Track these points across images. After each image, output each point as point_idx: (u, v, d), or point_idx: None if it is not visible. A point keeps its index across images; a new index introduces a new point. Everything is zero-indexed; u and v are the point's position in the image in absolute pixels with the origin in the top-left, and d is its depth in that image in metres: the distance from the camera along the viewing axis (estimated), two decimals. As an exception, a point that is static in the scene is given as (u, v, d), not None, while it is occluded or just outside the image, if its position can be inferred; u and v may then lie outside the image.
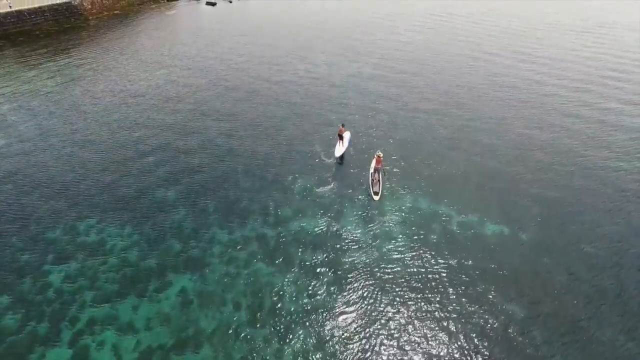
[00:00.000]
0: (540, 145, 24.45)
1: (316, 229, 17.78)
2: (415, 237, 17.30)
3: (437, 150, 23.84)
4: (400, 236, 17.37)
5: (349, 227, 17.87)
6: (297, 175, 21.40)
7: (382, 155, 20.91)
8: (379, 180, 20.27)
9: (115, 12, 61.73)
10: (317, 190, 20.29)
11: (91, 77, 34.11)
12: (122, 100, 29.79)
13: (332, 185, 20.65)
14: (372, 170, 20.86)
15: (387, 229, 17.80)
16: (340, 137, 23.25)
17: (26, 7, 52.34)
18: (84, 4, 59.14)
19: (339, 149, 23.15)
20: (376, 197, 19.50)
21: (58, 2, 56.25)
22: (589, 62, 40.61)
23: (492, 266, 15.90)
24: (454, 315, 14.04)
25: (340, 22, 55.51)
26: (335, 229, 17.79)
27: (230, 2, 68.37)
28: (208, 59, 38.57)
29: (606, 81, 35.06)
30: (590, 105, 30.22)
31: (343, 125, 23.79)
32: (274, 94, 31.09)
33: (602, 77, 36.21)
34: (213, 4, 65.80)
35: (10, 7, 50.06)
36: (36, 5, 53.67)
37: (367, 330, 13.59)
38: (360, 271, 15.71)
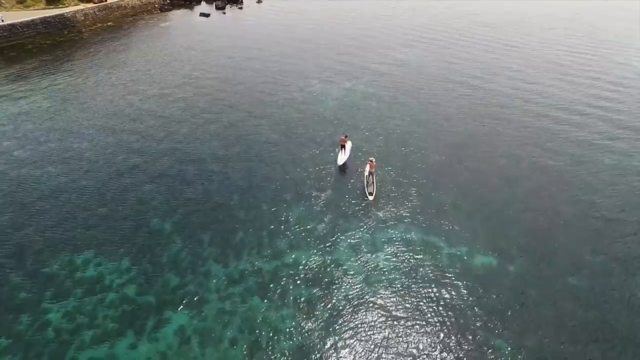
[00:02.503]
0: (528, 170, 25.15)
1: (311, 260, 18.25)
2: (406, 271, 17.83)
3: (427, 176, 24.42)
4: (392, 270, 17.89)
5: (343, 258, 18.38)
6: (291, 203, 21.86)
7: (374, 160, 23.43)
8: (373, 182, 22.74)
9: (109, 23, 61.88)
10: (312, 217, 20.79)
11: (85, 96, 34.29)
12: (118, 123, 30.05)
13: (327, 210, 21.18)
14: (366, 173, 23.29)
15: (380, 258, 18.33)
16: (343, 147, 25.20)
17: (19, 20, 52.39)
18: (77, 16, 59.28)
19: (341, 158, 25.01)
20: (371, 197, 22.01)
21: (51, 14, 56.39)
22: (583, 86, 41.59)
23: (480, 298, 16.48)
24: (440, 347, 14.60)
25: (333, 35, 56.04)
26: (329, 258, 18.28)
27: (224, 13, 68.74)
28: (202, 77, 38.87)
29: (596, 102, 35.94)
30: (581, 129, 31.00)
31: (346, 136, 25.74)
32: (268, 115, 31.53)
33: (593, 97, 37.12)
34: (207, 15, 66.11)
35: (2, 20, 50.06)
36: (29, 18, 53.76)
37: (360, 368, 14.12)
38: (353, 305, 16.21)
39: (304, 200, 22.23)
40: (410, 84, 38.11)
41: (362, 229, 20.23)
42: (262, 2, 78.17)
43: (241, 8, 73.15)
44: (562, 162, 26.06)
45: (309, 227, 20.30)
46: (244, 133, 28.90)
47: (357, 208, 21.84)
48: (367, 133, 29.35)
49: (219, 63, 43.06)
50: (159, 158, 25.88)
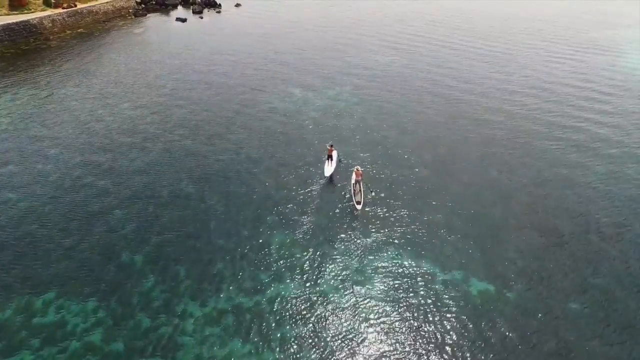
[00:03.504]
0: (522, 182, 24.49)
1: (296, 293, 17.05)
2: (398, 303, 16.78)
3: (416, 191, 23.51)
4: (383, 301, 16.83)
5: (330, 290, 17.22)
6: (273, 227, 20.61)
7: (360, 169, 23.06)
8: (360, 191, 22.50)
9: (79, 30, 59.39)
10: (295, 242, 19.60)
11: (50, 112, 32.27)
12: (86, 141, 28.26)
13: (311, 233, 19.98)
14: (353, 182, 22.99)
15: (370, 288, 17.24)
16: (329, 157, 24.64)
17: (-21, 28, 49.68)
18: (44, 22, 56.69)
19: (328, 169, 24.31)
20: (358, 207, 21.72)
21: (15, 21, 53.66)
22: (574, 91, 41.51)
23: (478, 330, 15.55)
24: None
25: (314, 40, 54.93)
26: (316, 291, 17.09)
27: (201, 17, 66.93)
28: (178, 88, 37.16)
29: (587, 108, 35.74)
30: (574, 136, 30.57)
31: (331, 146, 25.05)
32: (248, 128, 30.17)
33: (584, 103, 36.94)
34: (183, 20, 64.21)
35: (-40, 29, 47.34)
36: (-10, 26, 51.06)
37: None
38: (343, 346, 15.05)
39: (287, 223, 21.02)
40: (396, 91, 37.29)
41: (350, 255, 19.12)
42: (240, 5, 76.59)
43: (219, 12, 71.41)
44: (556, 172, 25.48)
45: (292, 254, 19.10)
46: (222, 149, 27.48)
47: (344, 227, 20.81)
48: (352, 146, 28.33)
49: (196, 72, 41.41)
50: (131, 179, 24.27)
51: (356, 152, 27.63)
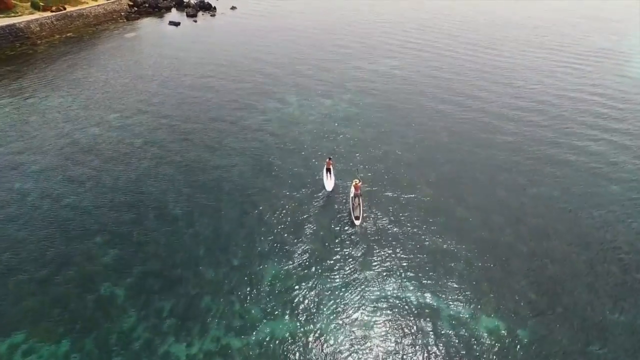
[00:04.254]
0: (532, 205, 23.26)
1: (290, 333, 15.78)
2: (401, 345, 15.52)
3: (419, 214, 22.28)
4: (385, 342, 15.58)
5: (328, 328, 15.94)
6: (266, 256, 19.32)
7: (359, 182, 22.44)
8: (359, 205, 21.82)
9: (69, 34, 58.01)
10: (290, 273, 18.30)
11: (32, 124, 30.86)
12: (68, 157, 26.87)
13: (307, 262, 18.68)
14: (352, 195, 22.40)
15: (371, 327, 15.98)
16: (328, 170, 24.39)
17: (-37, 33, 48.30)
18: (32, 26, 55.34)
19: (329, 183, 24.00)
20: (357, 222, 21.18)
21: (0, 25, 52.29)
22: (583, 103, 40.42)
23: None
24: None
25: (312, 46, 53.71)
26: (312, 329, 15.81)
27: (195, 21, 65.67)
28: (167, 100, 35.64)
29: (598, 121, 34.64)
30: (585, 152, 29.40)
31: (330, 159, 24.84)
32: (241, 143, 28.83)
33: (594, 116, 35.86)
34: (177, 24, 62.92)
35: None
36: (-26, 30, 49.67)
37: None
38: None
39: (281, 250, 19.75)
40: (397, 102, 35.96)
41: (348, 287, 17.85)
42: (235, 8, 75.39)
43: (213, 15, 70.17)
44: (569, 194, 24.23)
45: (286, 287, 17.81)
46: (213, 166, 26.18)
47: (342, 252, 19.56)
48: (351, 161, 27.08)
49: (187, 81, 40.04)
50: (114, 200, 22.94)
51: (354, 167, 26.38)
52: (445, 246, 20.13)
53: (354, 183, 22.64)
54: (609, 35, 63.13)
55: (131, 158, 26.90)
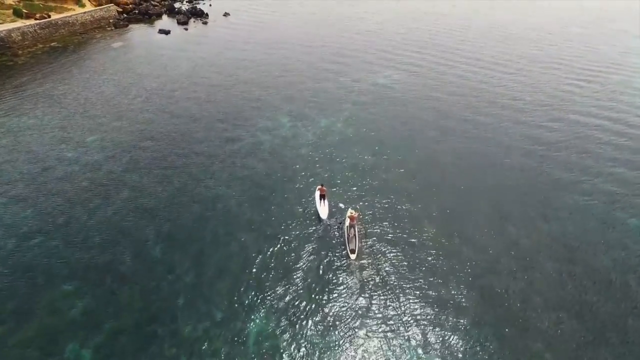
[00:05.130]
0: (547, 244, 21.66)
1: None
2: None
3: (421, 256, 20.67)
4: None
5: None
6: (251, 308, 17.60)
7: (355, 212, 21.48)
8: (355, 237, 20.69)
9: (53, 44, 56.22)
10: (277, 330, 16.60)
11: (4, 145, 29.06)
12: (40, 186, 25.07)
13: (296, 316, 17.00)
14: (347, 226, 21.22)
15: None
16: (322, 197, 23.28)
17: (-62, 44, 46.45)
18: (13, 35, 53.54)
19: (323, 211, 22.95)
20: (353, 256, 19.99)
21: (-21, 35, 50.53)
22: (598, 126, 38.98)
23: None
24: None
25: (307, 56, 52.09)
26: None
27: (186, 29, 64.03)
28: (150, 121, 33.73)
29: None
30: (607, 193, 28.00)
31: (322, 185, 23.75)
32: (228, 170, 27.16)
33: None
34: (167, 32, 61.27)
35: None
36: (-49, 41, 47.83)
37: None
38: None
39: (269, 298, 18.09)
40: (397, 123, 34.17)
41: (340, 348, 16.16)
42: (229, 15, 73.88)
43: (205, 23, 68.56)
44: (585, 228, 22.59)
45: (273, 346, 16.12)
46: (197, 199, 24.42)
47: (336, 300, 17.82)
48: (347, 190, 25.48)
49: (173, 98, 38.10)
50: (87, 239, 21.17)
51: (351, 198, 24.79)
52: (449, 295, 18.49)
53: (349, 213, 21.60)
54: (615, 44, 61.97)
55: (109, 189, 25.14)
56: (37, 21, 58.37)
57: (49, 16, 60.33)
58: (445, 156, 28.86)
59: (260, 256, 20.39)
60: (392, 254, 20.75)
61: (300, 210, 23.72)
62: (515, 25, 71.78)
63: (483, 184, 26.06)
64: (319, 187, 23.89)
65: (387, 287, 18.86)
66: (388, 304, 18.03)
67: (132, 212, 23.31)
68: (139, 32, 62.87)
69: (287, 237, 21.57)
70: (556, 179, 26.96)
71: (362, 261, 20.32)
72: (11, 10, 59.11)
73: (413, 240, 21.67)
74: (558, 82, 44.59)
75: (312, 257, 20.49)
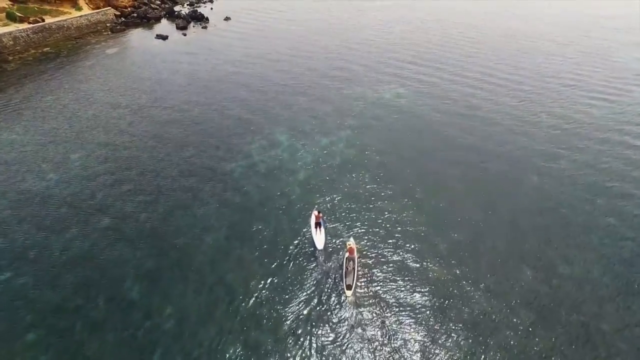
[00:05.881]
0: (565, 294, 19.69)
1: None
2: None
3: (425, 301, 18.76)
4: None
5: None
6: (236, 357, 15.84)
7: (354, 244, 20.48)
8: (353, 271, 19.48)
9: (46, 49, 54.96)
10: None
11: (-17, 166, 27.59)
12: (13, 213, 23.46)
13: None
14: (345, 260, 20.00)
15: None
16: (318, 225, 21.91)
17: None
18: (4, 40, 52.33)
19: (320, 239, 21.52)
20: (349, 292, 18.75)
21: (-31, 40, 49.33)
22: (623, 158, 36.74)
23: None
24: None
25: (310, 66, 50.25)
26: None
27: (184, 34, 62.57)
28: (139, 135, 32.04)
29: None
30: (631, 219, 25.94)
31: (319, 212, 22.30)
32: (218, 196, 25.30)
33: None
34: (164, 38, 59.86)
35: None
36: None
37: None
38: None
39: (255, 349, 16.24)
40: (402, 143, 31.87)
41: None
42: (230, 19, 72.43)
43: (205, 28, 67.06)
44: (613, 272, 20.40)
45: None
46: (182, 231, 22.62)
47: (328, 339, 15.99)
48: (345, 218, 23.61)
49: (165, 111, 36.28)
50: (57, 280, 19.44)
51: (350, 228, 22.94)
52: (457, 348, 16.57)
53: (347, 246, 20.42)
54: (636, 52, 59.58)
55: (88, 217, 23.44)
56: (31, 25, 57.18)
57: (43, 20, 59.13)
58: (455, 184, 26.75)
59: (249, 300, 18.57)
60: (391, 294, 18.99)
61: (296, 242, 21.91)
62: (533, 33, 69.45)
63: (497, 218, 23.97)
64: (315, 213, 22.43)
65: (383, 332, 17.08)
66: (382, 352, 16.16)
67: (111, 245, 21.58)
68: (135, 38, 61.49)
69: (278, 277, 19.73)
70: (579, 214, 24.80)
71: (358, 299, 18.79)
72: (4, 14, 58.07)
73: (416, 279, 19.80)
74: (580, 100, 41.20)
75: (304, 295, 18.89)
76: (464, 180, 27.22)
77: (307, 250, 21.50)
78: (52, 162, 28.47)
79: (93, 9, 69.16)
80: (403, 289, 19.38)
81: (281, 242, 21.96)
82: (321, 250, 21.31)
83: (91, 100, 38.09)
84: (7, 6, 59.38)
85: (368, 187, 26.41)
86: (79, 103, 37.58)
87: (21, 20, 57.98)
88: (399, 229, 23.06)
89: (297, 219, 23.58)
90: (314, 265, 20.67)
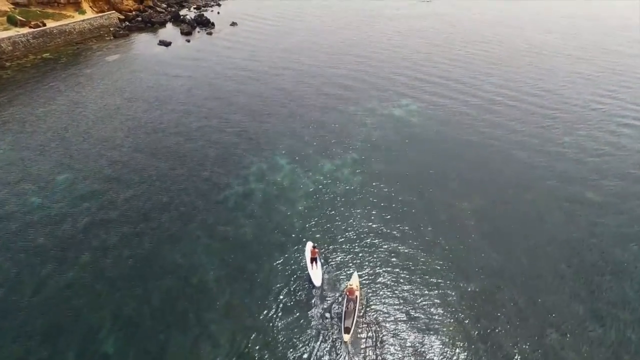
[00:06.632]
0: (602, 348, 17.53)
1: None
2: None
3: (427, 342, 16.77)
4: None
5: None
6: None
7: (355, 286, 19.19)
8: (353, 313, 18.25)
9: (45, 55, 54.07)
10: None
11: (-38, 187, 26.24)
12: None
13: None
14: (345, 303, 18.80)
15: None
16: (314, 260, 20.65)
17: None
18: (2, 45, 51.55)
19: (317, 276, 20.17)
20: (347, 336, 17.43)
21: (-34, 45, 48.56)
22: None
23: None
24: None
25: (317, 77, 48.30)
26: None
27: (188, 41, 61.29)
28: (131, 154, 30.35)
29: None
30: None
31: (314, 247, 21.16)
32: (209, 230, 23.42)
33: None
34: (167, 44, 58.63)
35: None
36: None
37: None
38: None
39: None
40: (412, 169, 29.63)
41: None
42: (236, 24, 71.10)
43: (210, 34, 65.65)
44: None
45: None
46: (169, 269, 20.86)
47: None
48: (348, 258, 21.68)
49: (158, 129, 34.42)
50: (24, 327, 17.82)
51: (351, 267, 21.07)
52: None
53: (348, 286, 19.25)
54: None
55: (67, 251, 21.82)
56: (31, 30, 56.36)
57: (44, 24, 58.35)
58: (470, 221, 24.54)
59: (235, 357, 16.79)
60: (393, 343, 17.42)
61: (291, 283, 20.20)
62: (555, 47, 66.77)
63: (518, 266, 21.66)
64: (311, 248, 21.09)
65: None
66: None
67: (89, 285, 19.93)
68: (138, 44, 60.35)
69: (270, 325, 17.95)
70: (611, 260, 22.56)
71: (357, 345, 17.37)
72: (5, 18, 57.43)
73: (422, 331, 17.89)
74: (608, 126, 37.74)
75: (298, 339, 17.48)
76: (480, 217, 25.01)
77: (303, 288, 20.06)
78: (36, 183, 27.06)
79: (97, 12, 68.35)
80: (407, 339, 17.61)
81: (275, 284, 20.16)
82: (318, 287, 20.03)
83: (84, 114, 36.67)
84: (8, 9, 58.83)
85: (373, 223, 24.36)
86: (71, 115, 36.24)
87: (22, 25, 57.25)
88: (406, 273, 21.04)
89: (294, 257, 21.74)
90: (310, 304, 19.28)
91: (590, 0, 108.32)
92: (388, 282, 20.46)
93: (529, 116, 38.91)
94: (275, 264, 21.33)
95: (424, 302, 19.44)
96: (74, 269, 20.76)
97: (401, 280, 20.58)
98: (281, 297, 19.49)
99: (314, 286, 20.01)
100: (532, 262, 21.93)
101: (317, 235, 23.20)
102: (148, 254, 21.84)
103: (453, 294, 20.02)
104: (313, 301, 19.39)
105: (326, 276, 20.60)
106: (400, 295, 19.75)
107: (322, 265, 20.98)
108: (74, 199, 25.81)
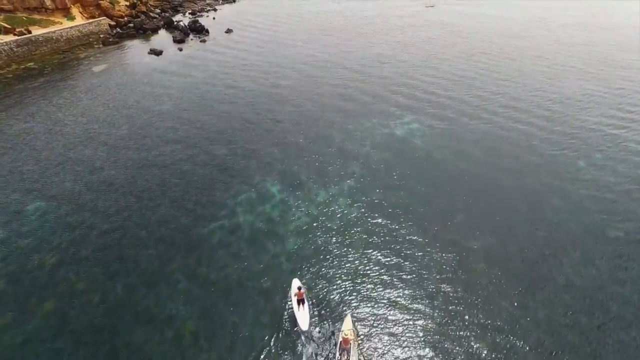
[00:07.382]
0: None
1: None
2: None
3: None
4: None
5: None
6: None
7: (350, 335, 17.65)
8: None
9: (29, 64, 52.45)
10: None
11: None
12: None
13: None
14: (339, 349, 17.60)
15: None
16: (300, 302, 19.34)
17: None
18: (-16, 55, 49.86)
19: (303, 318, 18.77)
20: None
21: (-55, 54, 46.90)
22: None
23: None
24: None
25: (316, 91, 46.35)
26: None
27: (180, 49, 59.56)
28: (110, 180, 28.60)
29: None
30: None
31: (300, 289, 19.67)
32: (187, 274, 21.58)
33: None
34: (158, 53, 56.96)
35: None
36: None
37: None
38: None
39: None
40: (415, 198, 27.66)
41: None
42: (231, 32, 69.47)
43: (204, 41, 63.99)
44: None
45: None
46: (142, 319, 18.99)
47: None
48: (342, 304, 19.80)
49: (141, 151, 32.51)
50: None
51: (345, 313, 19.14)
52: None
53: (342, 335, 17.92)
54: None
55: (30, 296, 19.94)
56: (15, 37, 54.77)
57: (29, 32, 56.73)
58: (478, 264, 22.52)
59: None
60: None
61: (275, 333, 18.51)
62: (571, 60, 64.92)
63: (534, 318, 19.73)
64: (296, 290, 19.70)
65: None
66: None
67: (51, 339, 18.05)
68: (127, 52, 58.64)
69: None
70: (637, 312, 20.70)
71: None
72: (-12, 25, 55.85)
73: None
74: (633, 147, 35.84)
75: None
76: (490, 260, 23.00)
77: (288, 334, 18.51)
78: (3, 213, 25.22)
79: (87, 18, 66.83)
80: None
81: (259, 339, 18.32)
82: (306, 331, 18.50)
83: (64, 132, 34.87)
84: (-7, 16, 57.26)
85: (372, 265, 22.37)
86: (50, 135, 34.41)
87: (6, 32, 55.64)
88: (405, 321, 19.14)
89: (280, 306, 19.87)
90: (298, 349, 17.80)
91: (603, 5, 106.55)
92: (388, 338, 18.56)
93: (545, 137, 36.36)
94: (259, 315, 19.43)
95: (424, 353, 17.58)
96: (35, 320, 18.87)
97: (404, 337, 18.65)
98: (264, 353, 17.63)
99: (300, 330, 18.54)
100: (549, 315, 19.97)
101: (308, 277, 21.36)
102: (120, 300, 19.96)
103: (462, 350, 18.10)
104: (301, 348, 17.91)
105: (316, 319, 19.04)
106: (402, 352, 17.85)
107: (310, 306, 19.47)
108: (44, 233, 23.95)
